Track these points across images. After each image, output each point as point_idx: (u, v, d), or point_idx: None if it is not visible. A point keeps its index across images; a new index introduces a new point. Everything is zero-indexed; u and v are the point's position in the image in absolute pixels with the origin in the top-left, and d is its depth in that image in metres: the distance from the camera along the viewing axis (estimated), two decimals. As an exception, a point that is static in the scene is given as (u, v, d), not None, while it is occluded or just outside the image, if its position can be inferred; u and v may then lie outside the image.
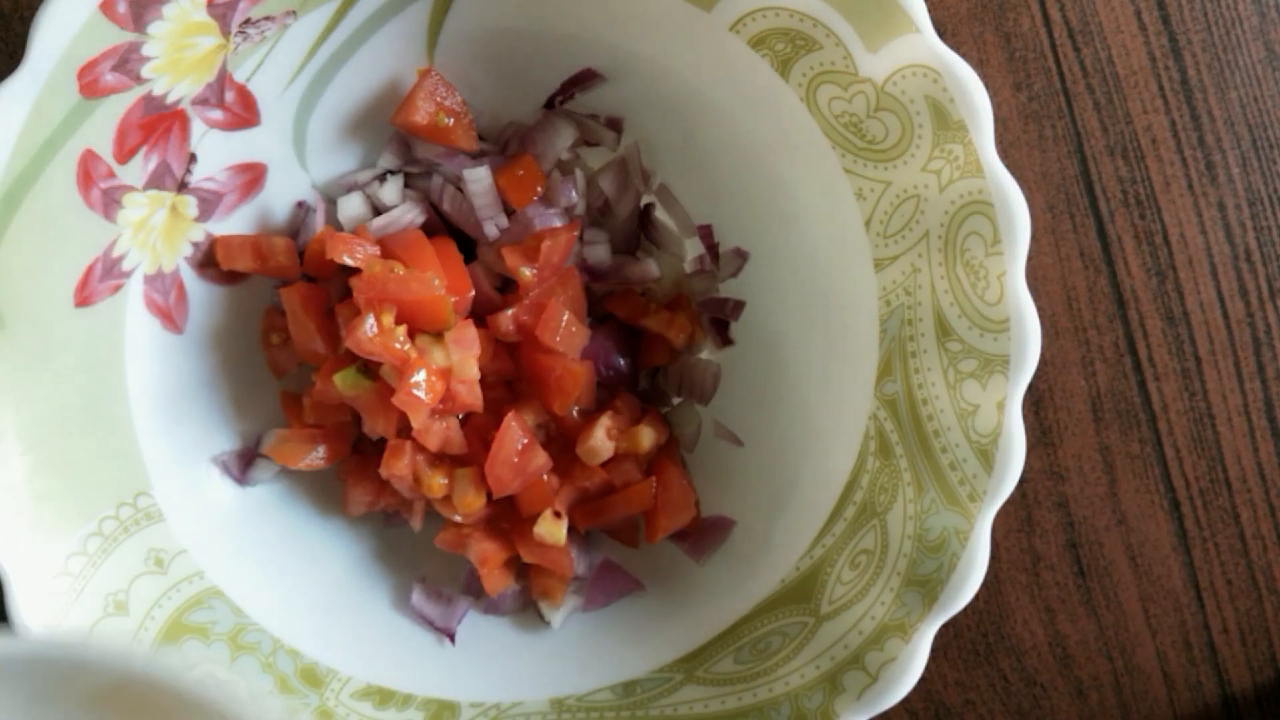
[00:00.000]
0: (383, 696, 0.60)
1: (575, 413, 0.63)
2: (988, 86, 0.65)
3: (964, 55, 0.67)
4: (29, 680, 0.38)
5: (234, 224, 0.61)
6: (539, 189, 0.63)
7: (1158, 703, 0.70)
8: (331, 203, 0.63)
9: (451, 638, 0.63)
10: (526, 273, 0.60)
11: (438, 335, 0.60)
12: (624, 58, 0.60)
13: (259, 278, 0.63)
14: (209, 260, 0.61)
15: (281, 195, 0.62)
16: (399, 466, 0.60)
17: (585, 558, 0.64)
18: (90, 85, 0.52)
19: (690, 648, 0.61)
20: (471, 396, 0.60)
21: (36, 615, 0.53)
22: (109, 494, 0.57)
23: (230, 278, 0.62)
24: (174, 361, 0.60)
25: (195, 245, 0.60)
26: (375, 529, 0.65)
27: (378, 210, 0.63)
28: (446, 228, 0.64)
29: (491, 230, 0.63)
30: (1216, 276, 0.69)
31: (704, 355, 0.66)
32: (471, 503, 0.61)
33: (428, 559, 0.65)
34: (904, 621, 0.55)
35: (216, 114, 0.57)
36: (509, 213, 0.63)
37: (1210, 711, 0.71)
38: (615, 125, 0.64)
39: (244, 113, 0.58)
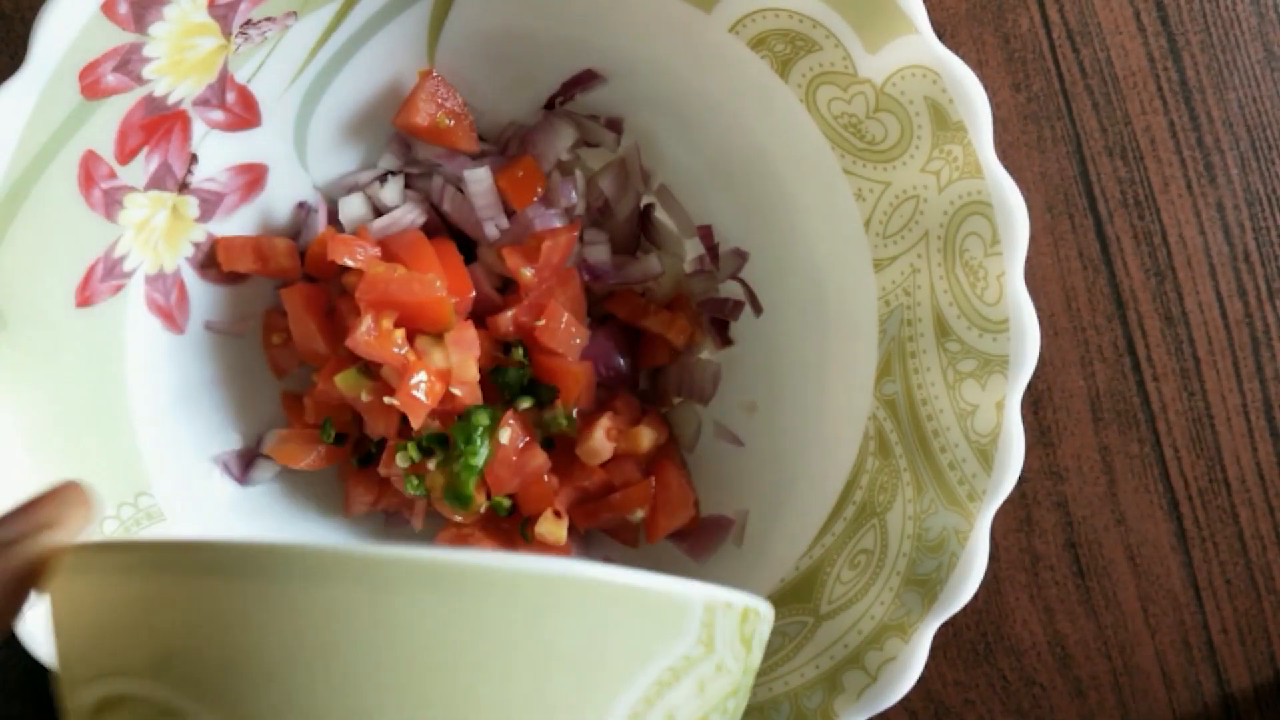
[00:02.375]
0: (383, 696, 0.60)
1: (575, 413, 0.63)
2: (987, 87, 0.65)
3: (963, 56, 0.67)
4: None
5: (235, 224, 0.61)
6: (539, 190, 0.63)
7: (1157, 702, 0.70)
8: (332, 203, 0.63)
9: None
10: (527, 273, 0.61)
11: (438, 336, 0.60)
12: (624, 58, 0.61)
13: (260, 278, 0.63)
14: (210, 261, 0.61)
15: (282, 196, 0.62)
16: (398, 461, 0.60)
17: (585, 557, 0.64)
18: (92, 86, 0.52)
19: (690, 647, 0.61)
20: (471, 398, 0.60)
21: (37, 614, 0.53)
22: (110, 494, 0.57)
23: (232, 278, 0.62)
24: (175, 361, 0.60)
25: (196, 246, 0.60)
26: (376, 529, 0.66)
27: (378, 211, 0.63)
28: (447, 228, 0.64)
29: (492, 231, 0.63)
30: (1215, 277, 0.69)
31: (704, 355, 0.66)
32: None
33: (428, 559, 0.65)
34: (903, 621, 0.55)
35: (218, 115, 0.57)
36: (509, 213, 0.63)
37: (1209, 711, 0.71)
38: (615, 126, 0.64)
39: (245, 113, 0.58)
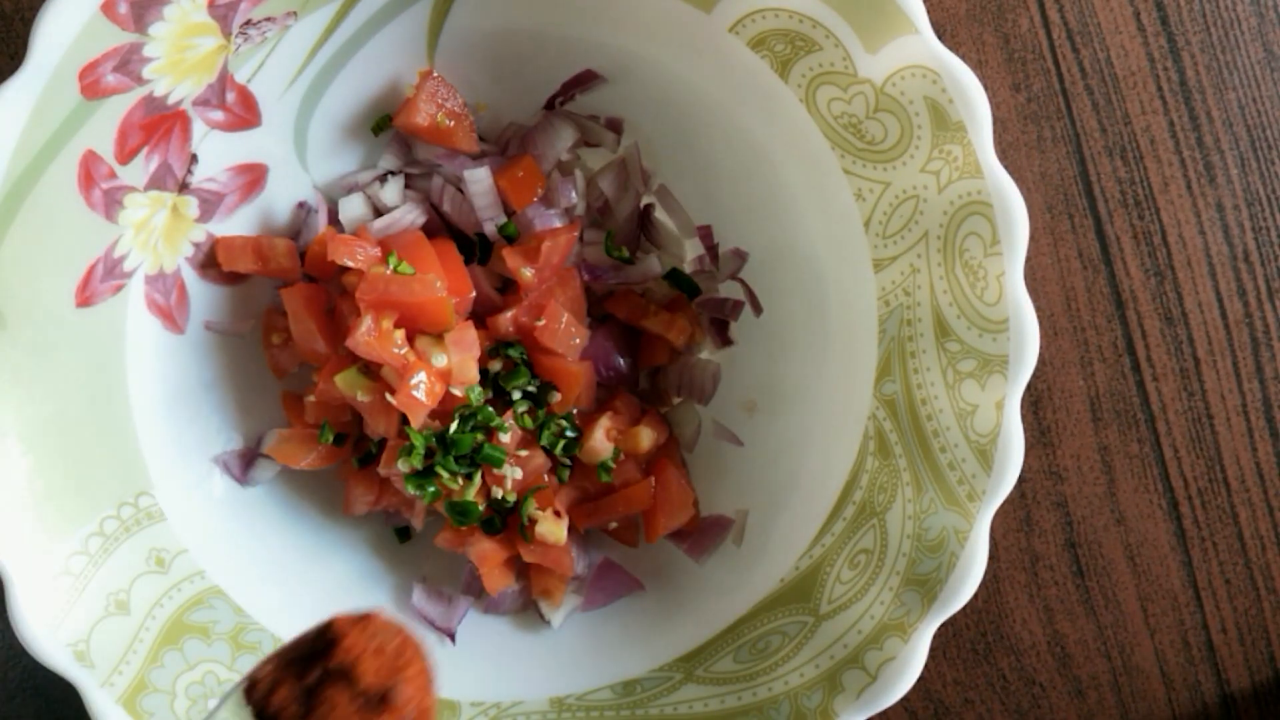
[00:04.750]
0: (383, 696, 0.60)
1: (575, 413, 0.63)
2: (986, 87, 0.65)
3: (963, 56, 0.67)
4: None
5: (235, 224, 0.61)
6: (539, 190, 0.63)
7: (1156, 702, 0.71)
8: (332, 203, 0.63)
9: (452, 637, 0.63)
10: (527, 273, 0.61)
11: (438, 336, 0.60)
12: (624, 59, 0.61)
13: (260, 278, 0.63)
14: (210, 261, 0.61)
15: (283, 196, 0.62)
16: (399, 465, 0.60)
17: (585, 557, 0.64)
18: (92, 86, 0.52)
19: (690, 647, 0.61)
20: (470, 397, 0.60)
21: (37, 614, 0.53)
22: (110, 493, 0.57)
23: (231, 278, 0.62)
24: (175, 361, 0.60)
25: (196, 246, 0.60)
26: (376, 528, 0.66)
27: (379, 211, 0.63)
28: (447, 228, 0.64)
29: (492, 231, 0.63)
30: (1215, 277, 0.69)
31: (704, 355, 0.66)
32: (472, 502, 0.61)
33: (428, 559, 0.65)
34: (903, 621, 0.55)
35: (218, 115, 0.57)
36: (509, 213, 0.63)
37: (1209, 711, 0.71)
38: (615, 126, 0.64)
39: (245, 113, 0.58)
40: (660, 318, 0.64)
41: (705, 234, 0.64)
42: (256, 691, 0.44)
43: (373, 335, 0.57)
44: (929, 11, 0.53)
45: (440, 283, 0.59)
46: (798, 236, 0.61)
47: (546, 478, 0.62)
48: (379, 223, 0.62)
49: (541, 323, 0.61)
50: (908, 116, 0.54)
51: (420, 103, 0.61)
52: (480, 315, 0.62)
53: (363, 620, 0.46)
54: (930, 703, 0.70)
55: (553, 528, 0.61)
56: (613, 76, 0.62)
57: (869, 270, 0.58)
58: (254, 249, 0.61)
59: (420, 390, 0.58)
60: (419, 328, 0.59)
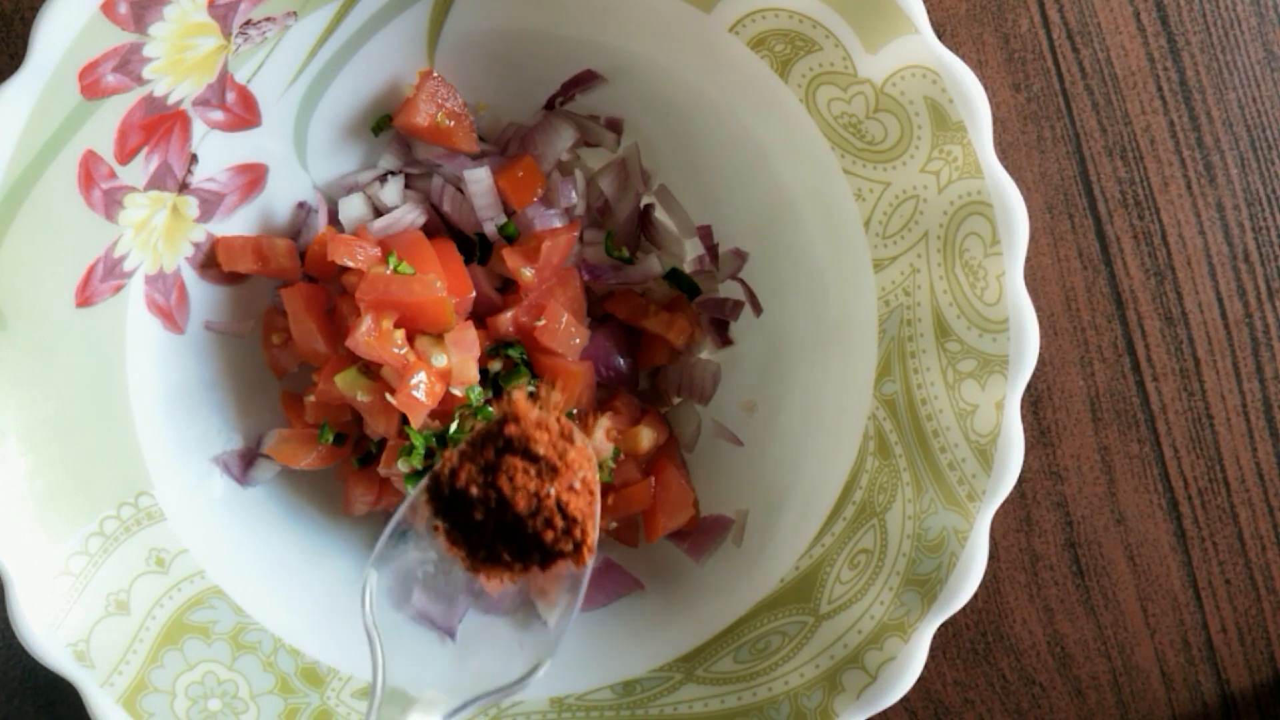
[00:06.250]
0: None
1: (575, 413, 0.63)
2: (986, 87, 0.65)
3: (963, 56, 0.67)
4: None
5: (235, 224, 0.61)
6: (539, 190, 0.63)
7: (1156, 702, 0.71)
8: (332, 203, 0.63)
9: (452, 636, 0.63)
10: (527, 274, 0.61)
11: (438, 336, 0.60)
12: (624, 59, 0.61)
13: (260, 278, 0.63)
14: (210, 261, 0.61)
15: (282, 196, 0.62)
16: (399, 465, 0.60)
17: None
18: (92, 86, 0.52)
19: (690, 647, 0.61)
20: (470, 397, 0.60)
21: (37, 614, 0.53)
22: (110, 493, 0.57)
23: (231, 278, 0.62)
24: (175, 361, 0.60)
25: (196, 246, 0.60)
26: (375, 529, 0.66)
27: (379, 211, 0.63)
28: (447, 228, 0.64)
29: (492, 231, 0.63)
30: (1215, 277, 0.69)
31: (704, 355, 0.66)
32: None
33: (428, 558, 0.65)
34: (903, 621, 0.55)
35: (218, 115, 0.57)
36: (509, 213, 0.63)
37: (1208, 711, 0.71)
38: (615, 126, 0.64)
39: (245, 113, 0.58)
40: (660, 318, 0.64)
41: (705, 234, 0.64)
42: (443, 484, 0.50)
43: (373, 335, 0.57)
44: (929, 11, 0.53)
45: (440, 283, 0.59)
46: (798, 236, 0.61)
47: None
48: (379, 223, 0.62)
49: (541, 323, 0.61)
50: (908, 116, 0.54)
51: (420, 103, 0.61)
52: (480, 315, 0.62)
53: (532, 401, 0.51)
54: (930, 703, 0.70)
55: (553, 528, 0.61)
56: (613, 76, 0.62)
57: (869, 270, 0.58)
58: (254, 249, 0.61)
59: (420, 390, 0.58)
60: (419, 328, 0.59)
